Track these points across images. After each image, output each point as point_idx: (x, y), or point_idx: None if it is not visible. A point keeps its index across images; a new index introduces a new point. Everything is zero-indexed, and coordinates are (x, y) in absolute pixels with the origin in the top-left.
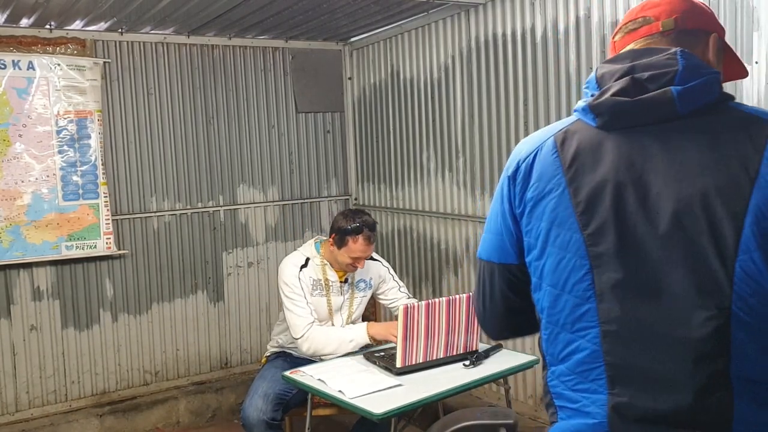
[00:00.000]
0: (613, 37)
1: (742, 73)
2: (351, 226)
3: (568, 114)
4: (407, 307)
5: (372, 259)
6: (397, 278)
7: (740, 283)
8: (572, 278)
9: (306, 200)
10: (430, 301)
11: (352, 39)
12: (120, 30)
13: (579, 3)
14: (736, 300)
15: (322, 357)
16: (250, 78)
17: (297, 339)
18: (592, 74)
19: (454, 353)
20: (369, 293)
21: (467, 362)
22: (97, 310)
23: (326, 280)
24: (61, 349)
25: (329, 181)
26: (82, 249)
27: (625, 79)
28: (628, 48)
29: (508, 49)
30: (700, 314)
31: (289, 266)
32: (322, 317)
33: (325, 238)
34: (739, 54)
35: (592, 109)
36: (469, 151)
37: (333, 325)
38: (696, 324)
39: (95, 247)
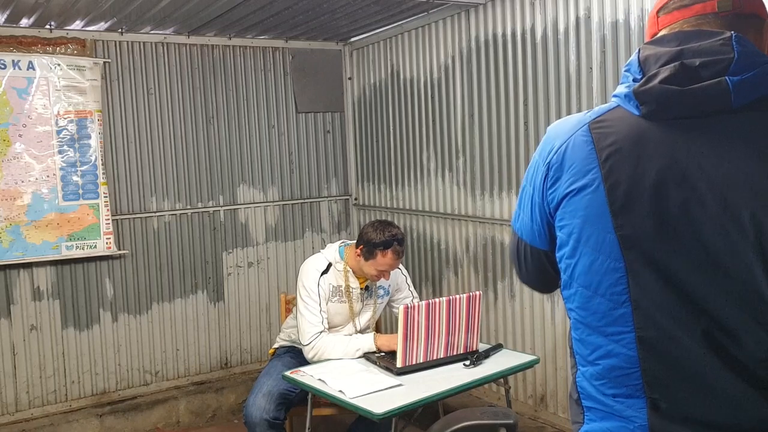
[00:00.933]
0: (657, 12)
1: None
2: (380, 240)
3: (569, 114)
4: (407, 308)
5: None
6: (413, 288)
7: None
8: (606, 281)
9: (306, 200)
10: (430, 301)
11: (352, 39)
12: (120, 30)
13: (579, 3)
14: None
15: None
16: (250, 78)
17: (304, 345)
18: (634, 56)
19: (455, 353)
20: (386, 300)
21: (467, 362)
22: (97, 310)
23: (347, 286)
24: (61, 349)
25: (329, 181)
26: (82, 249)
27: (674, 64)
28: (676, 29)
29: (508, 49)
30: (743, 327)
31: (311, 270)
32: (341, 322)
33: (350, 242)
34: None
35: (636, 96)
36: (469, 151)
37: (353, 328)
38: (738, 336)
39: (95, 247)
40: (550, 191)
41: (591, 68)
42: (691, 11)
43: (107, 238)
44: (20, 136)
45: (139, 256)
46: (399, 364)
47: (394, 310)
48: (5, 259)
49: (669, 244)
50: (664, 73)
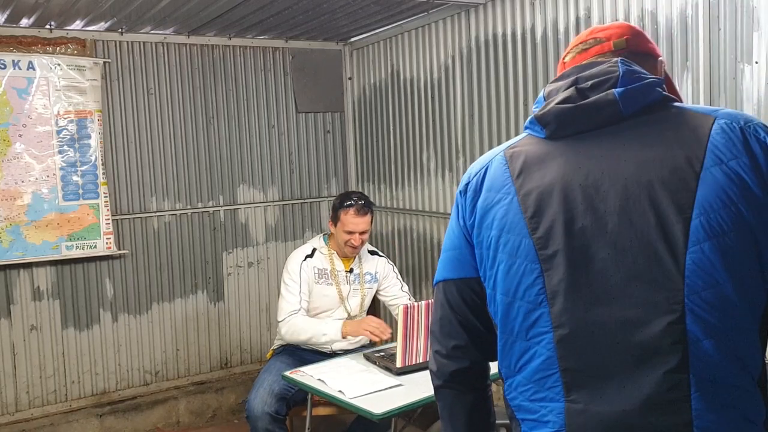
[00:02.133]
0: (563, 59)
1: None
2: (344, 202)
3: None
4: (407, 307)
5: (378, 255)
6: (400, 278)
7: (692, 276)
8: (523, 283)
9: (306, 200)
10: (430, 301)
11: (352, 39)
12: (120, 30)
13: (579, 3)
14: (689, 294)
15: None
16: (250, 78)
17: (279, 321)
18: (540, 94)
19: None
20: (375, 287)
21: None
22: (97, 310)
23: (333, 269)
24: (61, 349)
25: (329, 181)
26: (82, 249)
27: (569, 89)
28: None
29: (508, 49)
30: (653, 310)
31: (295, 255)
32: (330, 305)
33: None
34: (739, 54)
35: (538, 120)
36: (469, 151)
37: (344, 312)
38: (649, 321)
39: (95, 247)
40: (469, 211)
41: None
42: (590, 53)
43: (107, 238)
44: (20, 136)
45: (139, 256)
46: (399, 364)
47: (383, 298)
48: (5, 259)
49: (578, 239)
50: (560, 96)
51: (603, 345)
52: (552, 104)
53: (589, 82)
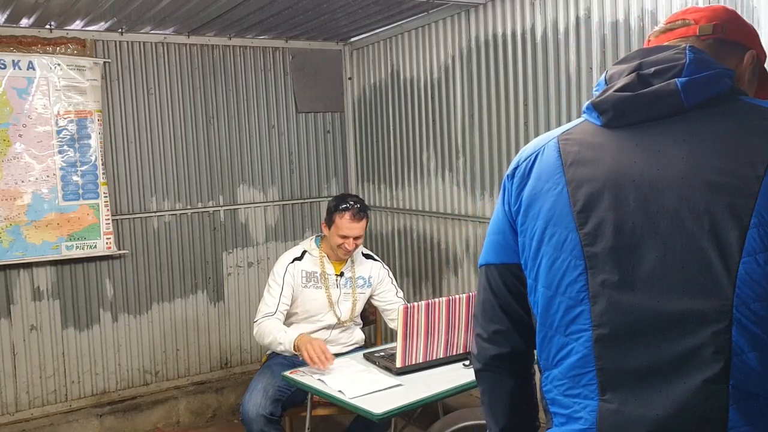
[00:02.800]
0: (649, 38)
1: None
2: (339, 205)
3: (569, 114)
4: (407, 307)
5: (373, 259)
6: (395, 283)
7: (743, 286)
8: (566, 279)
9: (306, 200)
10: (429, 300)
11: (352, 39)
12: (120, 30)
13: (579, 3)
14: (738, 305)
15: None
16: (250, 78)
17: (254, 321)
18: (602, 76)
19: (454, 353)
20: (368, 291)
21: (467, 362)
22: (97, 310)
23: (323, 272)
24: (61, 349)
25: (329, 181)
26: (82, 249)
27: (630, 75)
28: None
29: (508, 49)
30: (699, 318)
31: (283, 257)
32: (319, 309)
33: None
34: None
35: (595, 107)
36: (469, 151)
37: (334, 317)
38: (694, 328)
39: (95, 247)
40: (515, 197)
41: (591, 68)
42: (675, 34)
43: (107, 238)
44: (20, 136)
45: (139, 256)
46: (398, 364)
47: (377, 303)
48: (5, 259)
49: (627, 239)
50: (620, 83)
51: (643, 348)
52: (611, 91)
53: (652, 69)
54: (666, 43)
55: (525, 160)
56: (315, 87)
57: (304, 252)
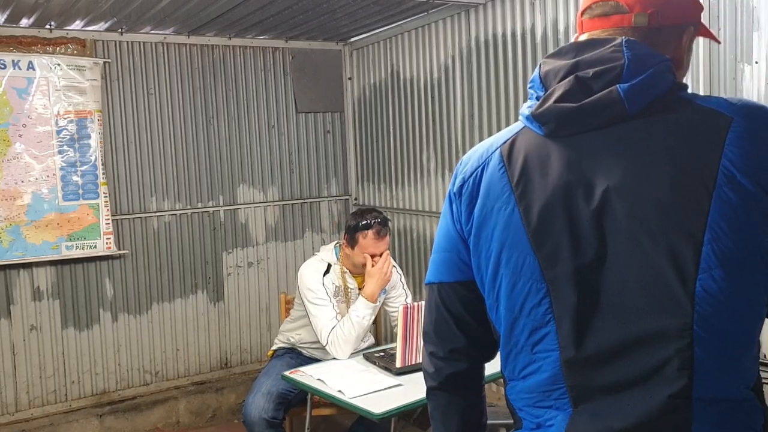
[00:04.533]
0: (581, 14)
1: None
2: (360, 223)
3: None
4: (407, 307)
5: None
6: (406, 287)
7: (702, 303)
8: (529, 303)
9: (306, 200)
10: None
11: (352, 39)
12: (120, 30)
13: (579, 3)
14: (698, 320)
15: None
16: (250, 78)
17: (324, 345)
18: (536, 71)
19: None
20: (383, 298)
21: None
22: (97, 310)
23: (345, 287)
24: (61, 349)
25: (329, 181)
26: (82, 249)
27: (568, 79)
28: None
29: (508, 49)
30: (662, 336)
31: (311, 273)
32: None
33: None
34: (738, 54)
35: (536, 118)
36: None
37: None
38: (657, 346)
39: (95, 247)
40: (465, 216)
41: None
42: (609, 21)
43: (107, 238)
44: (20, 136)
45: (139, 256)
46: (398, 364)
47: (386, 308)
48: (5, 259)
49: (586, 259)
50: (559, 90)
51: (609, 367)
52: (551, 101)
53: (591, 71)
54: (602, 35)
55: (471, 176)
56: (315, 87)
57: (329, 266)
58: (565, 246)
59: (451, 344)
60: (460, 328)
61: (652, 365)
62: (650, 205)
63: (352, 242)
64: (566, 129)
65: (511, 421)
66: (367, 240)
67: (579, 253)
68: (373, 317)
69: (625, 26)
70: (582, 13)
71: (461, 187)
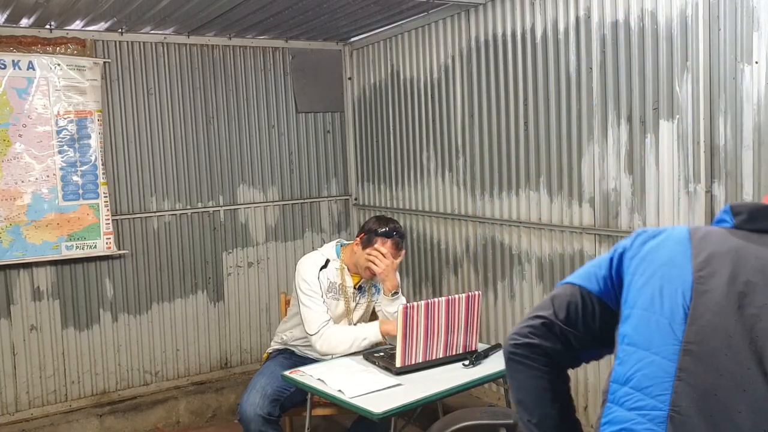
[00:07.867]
0: None
1: None
2: (383, 229)
3: (569, 114)
4: (407, 307)
5: None
6: (401, 295)
7: None
8: (656, 385)
9: (306, 200)
10: (429, 300)
11: (352, 39)
12: (120, 30)
13: (579, 3)
14: None
15: (333, 356)
16: (250, 78)
17: (311, 335)
18: (726, 207)
19: (454, 353)
20: (378, 297)
21: (467, 362)
22: (97, 310)
23: (342, 284)
24: (61, 349)
25: (329, 181)
26: (82, 249)
27: None
28: None
29: (508, 49)
30: None
31: (309, 265)
32: (335, 319)
33: (347, 242)
34: (738, 54)
35: (732, 208)
36: (469, 151)
37: (349, 324)
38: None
39: (95, 247)
40: (629, 266)
41: (591, 68)
42: None
43: (107, 238)
44: (20, 136)
45: (139, 256)
46: (398, 363)
47: (377, 309)
48: (5, 259)
49: (724, 363)
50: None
51: None
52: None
53: None
54: None
55: (653, 237)
56: (315, 87)
57: (328, 261)
58: (716, 347)
59: (542, 313)
60: (564, 323)
61: None
62: None
63: (367, 243)
64: (753, 222)
65: (512, 421)
66: (387, 247)
67: (723, 357)
68: (370, 345)
69: None
70: None
71: (630, 247)
